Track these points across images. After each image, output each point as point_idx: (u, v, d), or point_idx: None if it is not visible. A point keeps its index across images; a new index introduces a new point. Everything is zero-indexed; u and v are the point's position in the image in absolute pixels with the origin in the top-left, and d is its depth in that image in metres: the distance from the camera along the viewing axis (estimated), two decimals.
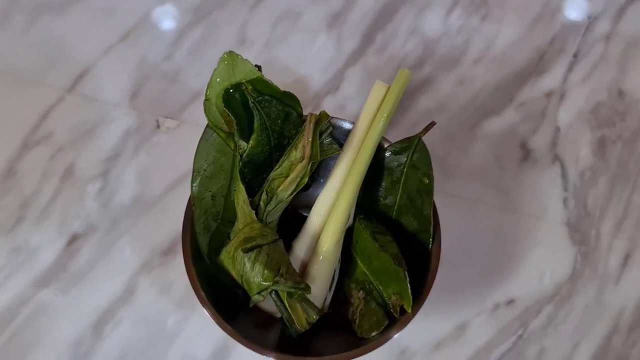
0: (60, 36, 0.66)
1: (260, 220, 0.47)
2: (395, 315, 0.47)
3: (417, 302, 0.46)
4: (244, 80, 0.47)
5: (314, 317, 0.47)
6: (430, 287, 0.47)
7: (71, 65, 0.65)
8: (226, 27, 0.67)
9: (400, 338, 0.46)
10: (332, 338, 0.51)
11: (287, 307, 0.47)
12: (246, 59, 0.47)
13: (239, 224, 0.48)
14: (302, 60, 0.66)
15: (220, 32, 0.67)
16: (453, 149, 0.63)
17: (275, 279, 0.44)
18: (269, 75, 0.47)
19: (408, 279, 0.45)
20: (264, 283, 0.45)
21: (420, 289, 0.47)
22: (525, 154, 0.63)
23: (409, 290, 0.45)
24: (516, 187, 0.62)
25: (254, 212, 0.47)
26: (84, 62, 0.65)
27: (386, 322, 0.47)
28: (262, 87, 0.47)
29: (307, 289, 0.45)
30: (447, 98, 0.65)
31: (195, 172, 0.48)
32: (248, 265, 0.45)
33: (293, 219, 0.53)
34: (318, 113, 0.48)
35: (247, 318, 0.49)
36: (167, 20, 0.68)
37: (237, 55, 0.47)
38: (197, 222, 0.49)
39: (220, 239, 0.49)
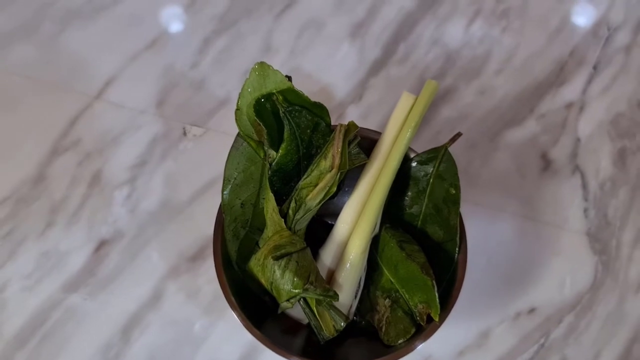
0: (88, 44, 0.67)
1: (289, 228, 0.48)
2: (422, 323, 0.47)
3: (444, 310, 0.47)
4: (274, 91, 0.48)
5: (342, 324, 0.48)
6: (457, 296, 0.48)
7: (99, 72, 0.66)
8: (251, 35, 0.68)
9: (423, 346, 0.47)
10: (357, 345, 0.51)
11: (316, 314, 0.47)
12: (277, 70, 0.48)
13: (268, 231, 0.49)
14: (326, 69, 0.67)
15: (245, 40, 0.68)
16: (475, 158, 0.64)
17: (305, 286, 0.45)
18: (294, 83, 0.48)
19: (436, 288, 0.46)
20: (294, 290, 0.45)
21: (445, 298, 0.47)
22: (546, 164, 0.64)
23: (437, 299, 0.45)
24: (537, 197, 0.62)
25: (283, 220, 0.48)
26: (111, 69, 0.66)
27: (413, 330, 0.48)
28: (292, 98, 0.48)
29: (335, 296, 0.46)
30: (469, 108, 0.66)
31: (226, 180, 0.49)
32: (278, 273, 0.46)
33: (319, 227, 0.53)
34: (347, 123, 0.49)
35: (274, 325, 0.50)
36: (192, 28, 0.69)
37: (268, 66, 0.48)
38: (227, 230, 0.49)
39: (248, 247, 0.50)
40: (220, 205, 0.49)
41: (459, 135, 0.50)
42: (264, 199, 0.50)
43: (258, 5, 0.69)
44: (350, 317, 0.51)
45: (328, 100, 0.65)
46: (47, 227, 0.60)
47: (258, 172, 0.50)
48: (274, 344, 0.47)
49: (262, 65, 0.48)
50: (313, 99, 0.48)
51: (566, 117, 0.66)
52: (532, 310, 0.58)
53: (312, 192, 0.48)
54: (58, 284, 0.58)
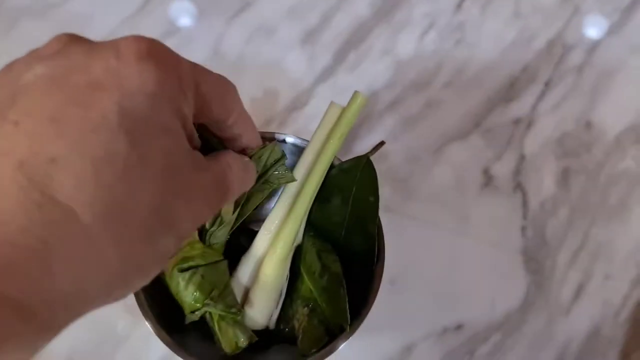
0: None
1: (203, 240, 0.47)
2: (336, 332, 0.47)
3: (356, 320, 0.46)
4: None
5: (245, 342, 0.47)
6: (371, 305, 0.47)
7: None
8: (201, 38, 0.68)
9: (346, 357, 0.47)
10: (281, 352, 0.51)
11: (217, 329, 0.47)
12: None
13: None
14: (273, 75, 0.67)
15: (194, 43, 0.68)
16: (416, 171, 0.63)
17: (206, 301, 0.45)
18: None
19: (347, 298, 0.46)
20: (195, 304, 0.45)
21: (359, 309, 0.47)
22: (488, 180, 0.63)
23: (347, 309, 0.45)
24: (475, 213, 0.62)
25: (197, 231, 0.47)
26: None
27: (326, 339, 0.48)
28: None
29: (238, 313, 0.46)
30: (414, 119, 0.66)
31: None
32: (182, 285, 0.45)
33: (250, 235, 0.53)
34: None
35: (198, 330, 0.50)
36: (143, 30, 0.69)
37: None
38: None
39: None
40: None
41: (381, 144, 0.50)
42: None
43: (212, 7, 0.69)
44: (272, 326, 0.51)
45: (272, 106, 0.65)
46: None
47: None
48: (186, 352, 0.46)
49: None
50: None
51: (512, 134, 0.65)
52: (459, 327, 0.58)
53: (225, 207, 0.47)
54: None
